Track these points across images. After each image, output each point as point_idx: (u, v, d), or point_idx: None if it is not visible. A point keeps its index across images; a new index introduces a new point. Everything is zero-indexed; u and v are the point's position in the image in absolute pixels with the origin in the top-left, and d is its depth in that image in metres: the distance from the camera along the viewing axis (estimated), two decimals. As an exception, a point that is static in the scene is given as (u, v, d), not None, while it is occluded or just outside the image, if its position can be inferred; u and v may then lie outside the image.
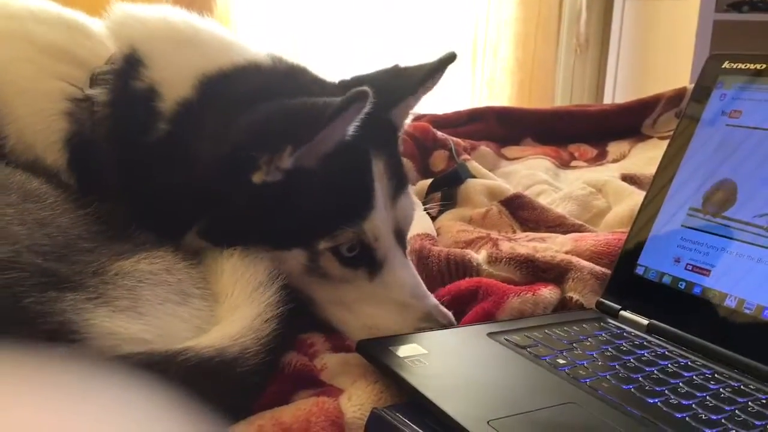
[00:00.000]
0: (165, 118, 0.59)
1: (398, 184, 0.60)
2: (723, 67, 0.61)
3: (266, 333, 0.49)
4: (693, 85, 0.65)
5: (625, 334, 0.54)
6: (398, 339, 0.50)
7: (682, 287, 0.56)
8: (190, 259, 0.54)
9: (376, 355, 0.48)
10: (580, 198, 0.96)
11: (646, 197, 0.62)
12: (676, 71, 2.42)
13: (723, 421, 0.42)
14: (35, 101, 0.61)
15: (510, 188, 0.94)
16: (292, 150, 0.54)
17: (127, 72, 0.61)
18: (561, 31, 2.78)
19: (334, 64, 2.37)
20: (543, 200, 1.00)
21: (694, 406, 0.44)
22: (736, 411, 0.43)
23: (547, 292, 0.65)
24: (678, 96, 1.43)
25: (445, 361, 0.48)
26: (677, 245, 0.58)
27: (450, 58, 0.66)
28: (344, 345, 0.56)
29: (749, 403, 0.44)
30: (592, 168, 1.23)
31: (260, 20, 2.32)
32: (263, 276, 0.53)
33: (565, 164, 1.25)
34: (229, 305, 0.52)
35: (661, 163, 0.62)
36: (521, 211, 0.89)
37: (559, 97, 2.81)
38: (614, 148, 1.31)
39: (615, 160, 1.25)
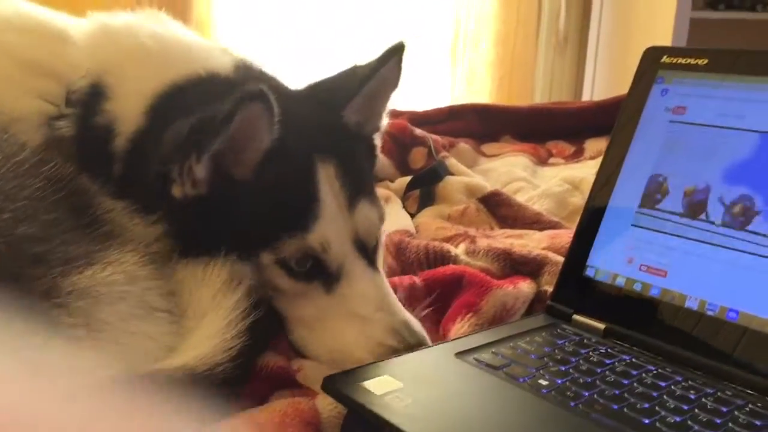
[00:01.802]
0: (119, 158, 0.59)
1: (356, 190, 0.57)
2: (662, 61, 0.61)
3: (237, 345, 0.46)
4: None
5: (585, 341, 0.54)
6: (366, 371, 0.47)
7: (638, 289, 0.56)
8: (153, 262, 0.50)
9: (348, 393, 0.44)
10: (557, 195, 0.97)
11: (590, 195, 0.62)
12: (654, 68, 2.44)
13: None
14: (14, 126, 0.59)
15: (488, 185, 0.95)
16: (197, 159, 0.52)
17: (90, 106, 0.60)
18: (540, 27, 2.80)
19: (315, 62, 2.37)
20: (521, 197, 1.01)
21: (689, 422, 0.43)
22: (729, 424, 0.43)
23: (526, 286, 0.66)
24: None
25: (423, 394, 0.45)
26: (628, 245, 0.58)
27: (397, 49, 0.63)
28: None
29: (735, 413, 0.44)
30: (570, 165, 1.23)
31: (241, 20, 2.30)
32: (227, 276, 0.51)
33: (542, 161, 1.26)
34: (195, 312, 0.49)
35: (603, 160, 0.62)
36: (499, 209, 0.90)
37: (539, 93, 2.83)
38: (591, 145, 1.32)
39: (592, 157, 1.26)
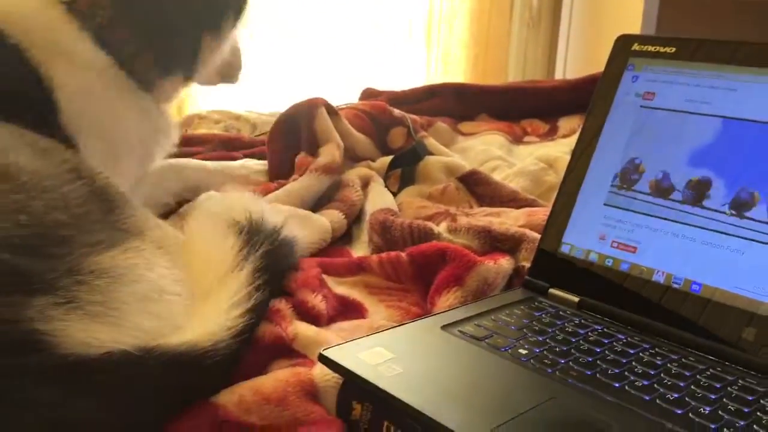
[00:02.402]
0: None
1: None
2: (633, 49, 0.64)
3: (240, 324, 0.49)
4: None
5: (561, 313, 0.58)
6: (359, 344, 0.50)
7: (610, 264, 0.60)
8: (168, 254, 0.53)
9: (344, 364, 0.47)
10: (533, 173, 1.01)
11: (565, 175, 0.65)
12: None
13: (687, 398, 0.46)
14: None
15: (466, 165, 0.98)
16: None
17: None
18: (514, 5, 2.82)
19: (286, 33, 2.36)
20: (497, 175, 1.04)
21: (655, 386, 0.47)
22: (691, 386, 0.47)
23: (505, 262, 0.69)
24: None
25: (413, 364, 0.48)
26: (601, 223, 0.61)
27: None
28: (308, 313, 0.60)
29: (697, 376, 0.49)
30: (544, 143, 1.27)
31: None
32: (234, 254, 0.54)
33: (518, 139, 1.30)
34: (202, 290, 0.52)
35: (577, 142, 0.65)
36: (477, 187, 0.93)
37: (512, 71, 2.86)
38: (565, 124, 1.36)
39: (565, 135, 1.30)
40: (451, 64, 2.73)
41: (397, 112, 1.14)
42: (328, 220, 0.81)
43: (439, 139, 1.19)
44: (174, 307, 0.50)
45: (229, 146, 1.17)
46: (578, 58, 2.78)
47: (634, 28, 2.44)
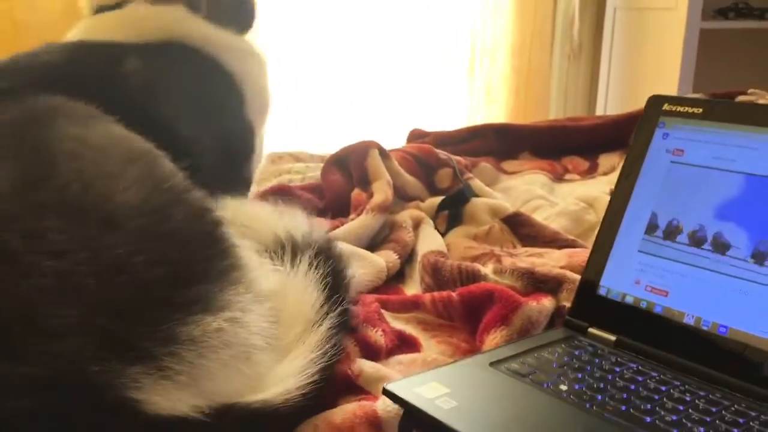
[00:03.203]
0: None
1: None
2: (663, 108, 0.71)
3: (311, 385, 0.52)
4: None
5: (599, 351, 0.64)
6: (418, 379, 0.57)
7: (644, 306, 0.66)
8: (265, 300, 0.54)
9: (405, 397, 0.54)
10: (573, 213, 1.07)
11: (602, 223, 0.72)
12: (665, 77, 2.53)
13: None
14: None
15: (510, 207, 1.05)
16: None
17: None
18: (555, 39, 2.89)
19: (331, 72, 2.47)
20: (540, 215, 1.10)
21: (683, 420, 0.53)
22: (716, 421, 0.53)
23: (548, 302, 0.75)
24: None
25: (466, 398, 0.54)
26: (635, 268, 0.67)
27: None
28: (369, 347, 0.67)
29: (723, 412, 0.54)
30: (585, 181, 1.33)
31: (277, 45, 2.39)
32: (316, 310, 0.58)
33: (559, 177, 1.36)
34: (285, 344, 0.55)
35: (614, 192, 0.72)
36: (521, 228, 1.00)
37: (554, 103, 2.92)
38: (605, 161, 1.42)
39: (605, 173, 1.36)
40: (493, 97, 2.80)
41: (443, 154, 1.22)
42: (384, 259, 0.89)
43: (484, 178, 1.26)
44: (260, 367, 0.52)
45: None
46: (620, 89, 2.82)
47: (675, 60, 2.49)
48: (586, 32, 2.90)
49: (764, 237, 0.60)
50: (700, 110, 0.68)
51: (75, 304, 0.44)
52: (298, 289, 0.61)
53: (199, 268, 0.51)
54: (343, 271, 0.69)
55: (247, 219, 0.72)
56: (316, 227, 0.74)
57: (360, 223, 0.95)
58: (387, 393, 0.56)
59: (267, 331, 0.53)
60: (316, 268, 0.64)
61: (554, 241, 0.97)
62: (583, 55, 2.93)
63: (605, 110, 2.83)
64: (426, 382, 0.57)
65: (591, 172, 1.40)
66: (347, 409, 0.55)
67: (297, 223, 0.74)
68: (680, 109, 0.70)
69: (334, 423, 0.54)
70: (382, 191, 1.02)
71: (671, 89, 2.47)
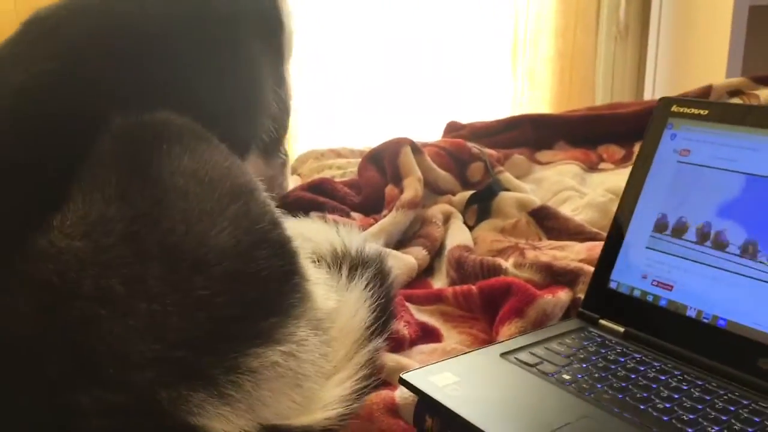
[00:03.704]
0: None
1: None
2: (672, 110, 0.74)
3: (351, 408, 0.56)
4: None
5: (607, 342, 0.68)
6: (432, 369, 0.62)
7: (650, 300, 0.70)
8: (322, 324, 0.58)
9: (419, 386, 0.59)
10: (600, 205, 1.10)
11: (614, 220, 0.75)
12: (715, 57, 2.48)
13: (699, 419, 0.55)
14: None
15: (537, 200, 1.08)
16: None
17: None
18: (600, 20, 2.86)
19: (373, 56, 2.52)
20: (569, 206, 1.14)
21: (675, 408, 0.57)
22: (707, 409, 0.57)
23: (563, 295, 0.80)
24: (703, 94, 1.53)
25: (474, 386, 0.60)
26: (643, 264, 0.71)
27: None
28: (395, 341, 0.73)
29: (714, 400, 0.58)
30: (618, 170, 1.35)
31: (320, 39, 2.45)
32: (363, 330, 0.62)
33: (593, 167, 1.38)
34: (333, 365, 0.59)
35: (625, 191, 0.75)
36: (546, 221, 1.04)
37: (600, 86, 2.89)
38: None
39: (639, 162, 1.37)
40: (536, 83, 2.80)
41: (475, 148, 1.26)
42: (414, 256, 0.94)
43: (516, 170, 1.30)
44: (309, 393, 0.56)
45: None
46: (668, 71, 2.78)
47: (723, 37, 2.44)
48: (632, 12, 2.86)
49: (759, 234, 0.63)
50: (707, 112, 0.71)
51: (159, 340, 0.49)
52: (351, 307, 0.65)
53: (272, 304, 0.56)
54: (391, 289, 0.73)
55: (309, 232, 0.78)
56: (370, 242, 0.80)
57: (391, 220, 1.01)
58: (402, 381, 0.62)
59: (319, 362, 0.57)
60: (369, 286, 0.69)
61: (579, 233, 1.00)
62: (630, 35, 2.90)
63: (653, 93, 2.80)
64: (439, 371, 0.63)
65: (626, 160, 1.41)
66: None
67: (352, 237, 0.78)
68: (688, 110, 0.73)
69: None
70: (412, 188, 1.07)
71: (720, 70, 2.42)
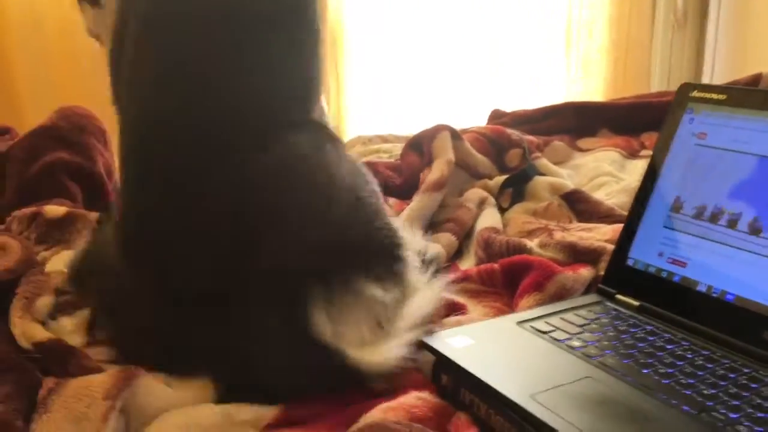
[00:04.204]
0: None
1: None
2: (692, 95, 0.76)
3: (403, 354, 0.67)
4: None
5: (621, 315, 0.71)
6: (450, 332, 0.68)
7: (665, 276, 0.73)
8: (410, 294, 0.73)
9: (437, 347, 0.65)
10: (633, 190, 1.11)
11: (634, 200, 0.79)
12: (775, 45, 2.42)
13: (698, 384, 0.59)
14: None
15: (570, 184, 1.12)
16: None
17: None
18: (657, 8, 2.82)
19: (425, 44, 2.55)
20: (603, 191, 1.17)
21: (676, 373, 0.60)
22: (707, 375, 0.60)
23: (585, 272, 0.84)
24: (753, 81, 1.52)
25: (488, 349, 0.65)
26: (659, 242, 0.74)
27: None
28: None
29: (716, 368, 0.61)
30: (658, 158, 1.36)
31: (372, 26, 2.51)
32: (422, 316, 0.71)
33: (634, 154, 1.40)
34: (393, 330, 0.70)
35: (645, 173, 0.78)
36: (578, 204, 1.07)
37: (656, 75, 2.85)
38: (683, 137, 1.43)
39: (681, 149, 1.38)
40: (590, 71, 2.79)
41: (515, 135, 1.30)
42: (442, 243, 0.99)
43: (555, 156, 1.33)
44: (374, 337, 0.68)
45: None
46: (727, 60, 2.73)
47: (786, 26, 2.37)
48: (691, 1, 2.81)
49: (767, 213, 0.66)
50: (724, 96, 0.74)
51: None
52: (424, 296, 0.75)
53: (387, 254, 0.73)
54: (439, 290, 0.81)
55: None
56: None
57: (417, 204, 1.06)
58: (423, 344, 0.67)
59: (392, 317, 0.70)
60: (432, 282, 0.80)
61: (609, 216, 1.03)
62: (689, 24, 2.84)
63: (712, 82, 2.75)
64: (456, 335, 0.68)
65: (668, 148, 1.42)
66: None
67: (416, 239, 0.91)
68: (707, 95, 0.76)
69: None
70: (438, 169, 1.11)
71: (780, 58, 2.36)
